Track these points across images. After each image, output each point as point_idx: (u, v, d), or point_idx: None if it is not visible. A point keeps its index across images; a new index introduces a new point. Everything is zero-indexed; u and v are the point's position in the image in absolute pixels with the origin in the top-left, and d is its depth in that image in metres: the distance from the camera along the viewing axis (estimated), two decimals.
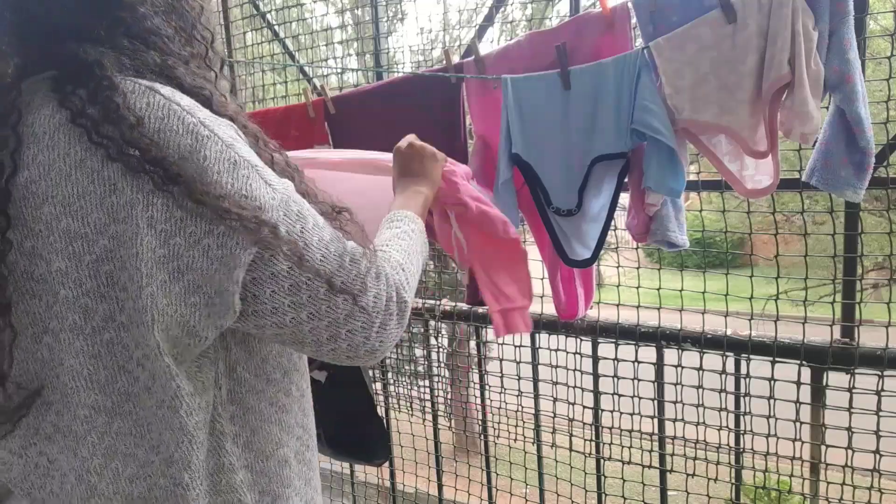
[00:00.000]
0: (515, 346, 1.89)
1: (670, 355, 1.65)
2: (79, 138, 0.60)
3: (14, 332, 0.62)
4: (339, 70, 2.39)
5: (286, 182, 0.68)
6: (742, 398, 1.58)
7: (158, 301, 0.60)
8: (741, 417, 1.59)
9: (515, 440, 2.03)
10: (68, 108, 0.61)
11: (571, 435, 1.89)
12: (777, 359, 1.48)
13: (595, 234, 1.32)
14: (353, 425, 1.76)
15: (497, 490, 2.09)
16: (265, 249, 0.62)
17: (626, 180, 1.31)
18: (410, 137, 1.04)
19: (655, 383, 1.69)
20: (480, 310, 1.89)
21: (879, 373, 1.38)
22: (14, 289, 0.62)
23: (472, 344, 2.23)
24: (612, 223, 1.38)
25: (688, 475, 1.68)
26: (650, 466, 1.75)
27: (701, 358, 1.58)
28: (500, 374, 1.97)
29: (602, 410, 1.81)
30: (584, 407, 1.82)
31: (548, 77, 1.29)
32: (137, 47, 0.66)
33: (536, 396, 1.92)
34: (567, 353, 1.79)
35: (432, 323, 2.10)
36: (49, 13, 0.64)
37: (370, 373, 2.02)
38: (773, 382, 1.50)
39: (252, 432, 0.72)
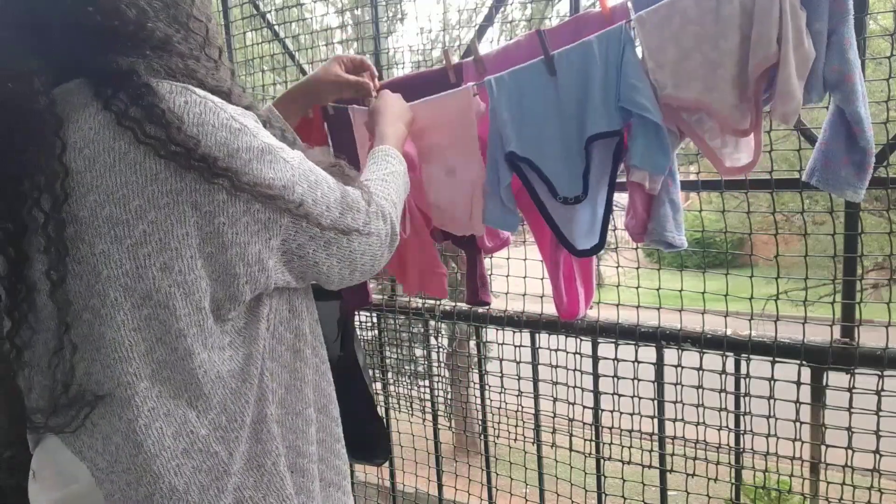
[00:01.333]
0: (515, 347, 1.89)
1: (670, 355, 1.65)
2: (122, 135, 0.67)
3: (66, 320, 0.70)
4: None
5: (299, 154, 0.81)
6: (742, 398, 1.58)
7: (205, 273, 0.71)
8: (741, 417, 1.59)
9: (515, 440, 2.03)
10: (112, 111, 0.68)
11: (571, 435, 1.89)
12: (777, 359, 1.48)
13: (599, 219, 1.30)
14: (353, 425, 1.75)
15: (497, 490, 2.09)
16: (296, 219, 0.77)
17: (621, 169, 1.30)
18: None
19: (655, 383, 1.69)
20: (480, 310, 1.89)
21: (879, 373, 1.38)
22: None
23: (472, 344, 2.23)
24: (613, 224, 1.38)
25: (688, 475, 1.68)
26: (650, 466, 1.75)
27: (701, 358, 1.58)
28: (500, 374, 1.97)
29: (602, 410, 1.81)
30: (584, 407, 1.82)
31: (531, 67, 1.27)
32: (161, 55, 0.73)
33: (536, 396, 1.92)
34: (567, 353, 1.79)
35: (432, 323, 2.10)
36: (74, 33, 0.70)
37: (370, 372, 2.02)
38: (773, 382, 1.50)
39: (286, 389, 0.83)
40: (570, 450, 1.89)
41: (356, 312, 1.93)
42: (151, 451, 0.71)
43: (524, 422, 2.01)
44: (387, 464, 2.29)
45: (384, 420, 1.95)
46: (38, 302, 0.71)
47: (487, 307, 1.80)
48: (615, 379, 1.72)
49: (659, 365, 1.69)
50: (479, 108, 1.34)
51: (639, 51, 1.20)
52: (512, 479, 2.05)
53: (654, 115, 1.15)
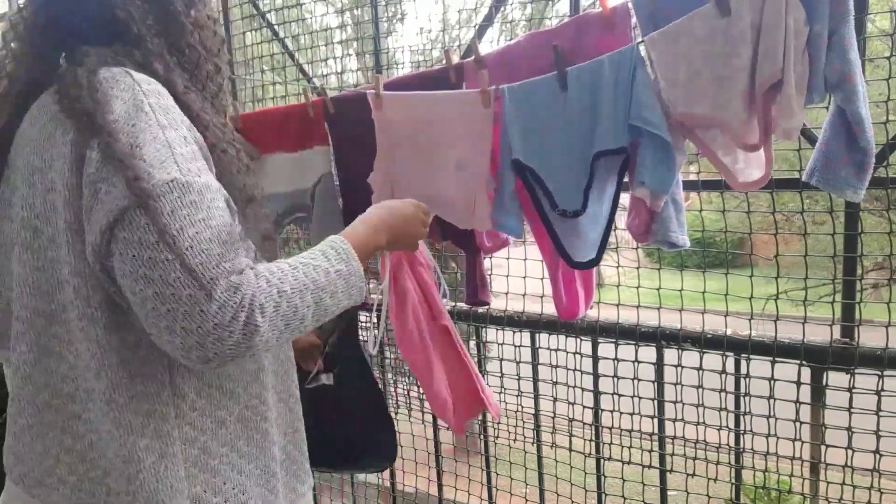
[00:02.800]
0: (515, 347, 1.89)
1: (670, 355, 1.65)
2: (57, 99, 0.77)
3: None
4: (338, 70, 2.40)
5: (206, 177, 0.73)
6: (742, 398, 1.58)
7: (73, 223, 0.75)
8: (741, 417, 1.59)
9: (515, 440, 2.03)
10: (58, 86, 0.77)
11: (571, 435, 1.89)
12: (777, 359, 1.48)
13: (598, 234, 1.32)
14: (364, 426, 1.73)
15: (497, 490, 2.09)
16: (142, 212, 0.67)
17: (626, 179, 1.31)
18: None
19: (655, 383, 1.69)
20: (480, 310, 1.89)
21: (879, 373, 1.38)
22: None
23: (472, 344, 2.23)
24: (613, 224, 1.38)
25: (688, 475, 1.68)
26: (650, 466, 1.75)
27: (701, 358, 1.58)
28: (500, 374, 1.97)
29: (602, 410, 1.81)
30: (584, 407, 1.82)
31: (544, 80, 1.29)
32: (127, 49, 0.80)
33: (536, 396, 1.92)
34: (567, 352, 1.79)
35: None
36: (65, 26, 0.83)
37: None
38: (773, 382, 1.50)
39: (197, 393, 0.82)
40: (570, 450, 1.89)
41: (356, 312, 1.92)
42: (38, 383, 0.82)
43: (524, 422, 2.01)
44: None
45: (394, 421, 1.94)
46: None
47: (487, 307, 1.80)
48: (615, 379, 1.72)
49: (659, 365, 1.69)
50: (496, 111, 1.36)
51: (649, 70, 1.20)
52: (512, 479, 2.05)
53: (663, 132, 1.16)
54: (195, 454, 0.80)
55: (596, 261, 1.33)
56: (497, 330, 1.92)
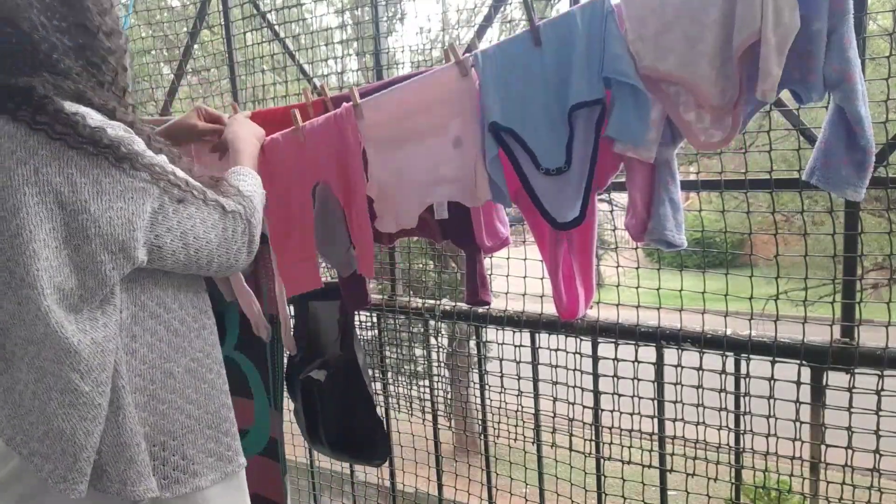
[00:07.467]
0: (515, 346, 1.89)
1: (670, 355, 1.65)
2: (35, 134, 0.87)
3: None
4: (338, 70, 2.39)
5: (162, 158, 0.99)
6: (742, 398, 1.58)
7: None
8: (741, 417, 1.59)
9: (515, 440, 2.03)
10: (23, 120, 0.87)
11: (571, 435, 1.89)
12: (777, 359, 1.48)
13: (581, 191, 1.30)
14: (352, 426, 1.76)
15: (497, 490, 2.09)
16: (165, 188, 0.96)
17: (621, 179, 1.30)
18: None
19: (655, 383, 1.69)
20: (480, 310, 1.89)
21: (879, 373, 1.38)
22: None
23: (472, 344, 2.23)
24: (612, 224, 1.38)
25: (688, 475, 1.68)
26: (650, 466, 1.75)
27: (701, 358, 1.58)
28: (500, 374, 1.97)
29: (602, 410, 1.81)
30: (584, 407, 1.82)
31: (517, 38, 1.27)
32: (56, 80, 0.93)
33: (536, 396, 1.92)
34: (567, 352, 1.79)
35: (432, 323, 2.10)
36: None
37: (370, 372, 2.02)
38: (773, 382, 1.50)
39: (149, 348, 1.01)
40: (570, 450, 1.89)
41: (356, 312, 1.93)
42: (43, 404, 0.91)
43: (524, 422, 2.01)
44: (387, 464, 2.29)
45: (383, 421, 1.95)
46: None
47: (487, 307, 1.80)
48: (615, 379, 1.72)
49: (659, 365, 1.69)
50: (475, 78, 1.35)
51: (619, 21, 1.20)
52: (512, 479, 2.05)
53: (636, 81, 1.16)
54: (144, 401, 1.00)
55: (580, 219, 1.31)
56: (497, 330, 1.92)
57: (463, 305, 1.94)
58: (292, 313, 1.82)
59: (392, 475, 2.37)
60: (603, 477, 1.85)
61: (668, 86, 1.20)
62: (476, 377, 2.13)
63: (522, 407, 1.96)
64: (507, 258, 1.87)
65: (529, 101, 1.28)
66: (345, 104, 1.43)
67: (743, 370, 1.56)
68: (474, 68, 1.31)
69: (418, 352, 2.34)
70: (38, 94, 0.89)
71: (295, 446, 2.60)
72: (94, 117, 0.92)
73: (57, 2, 0.94)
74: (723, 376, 1.58)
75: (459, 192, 1.41)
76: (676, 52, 1.14)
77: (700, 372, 1.58)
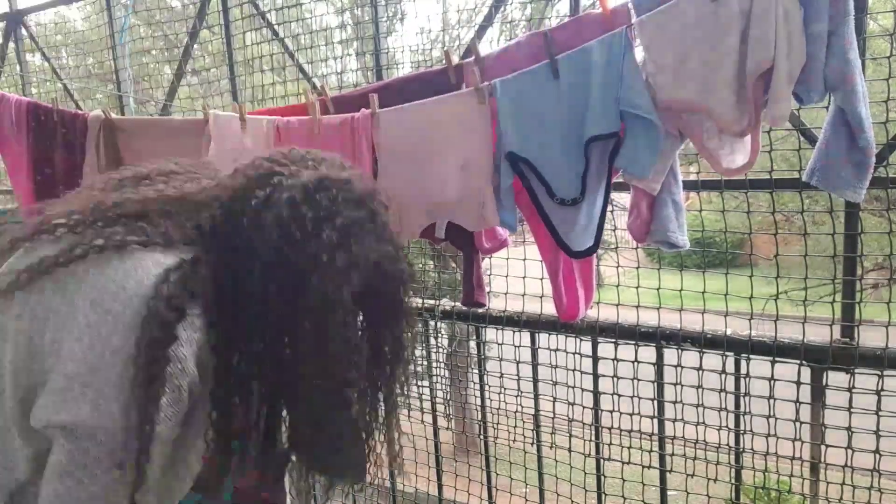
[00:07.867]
0: (515, 347, 1.89)
1: (670, 355, 1.64)
2: None
3: None
4: (338, 70, 2.39)
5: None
6: (742, 398, 1.58)
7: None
8: (741, 417, 1.59)
9: (515, 440, 2.03)
10: None
11: (571, 435, 1.89)
12: (777, 359, 1.48)
13: (595, 221, 1.31)
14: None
15: (497, 490, 2.09)
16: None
17: (623, 180, 1.31)
18: None
19: (655, 383, 1.69)
20: (480, 310, 1.89)
21: (879, 373, 1.38)
22: None
23: (472, 344, 2.23)
24: (613, 223, 1.38)
25: (688, 475, 1.68)
26: (650, 466, 1.75)
27: (701, 358, 1.58)
28: (499, 374, 1.97)
29: (602, 410, 1.80)
30: (584, 407, 1.81)
31: (536, 70, 1.29)
32: None
33: (536, 396, 1.92)
34: (567, 353, 1.79)
35: (432, 323, 2.10)
36: None
37: None
38: (773, 382, 1.50)
39: None
40: (570, 450, 1.89)
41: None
42: None
43: (524, 422, 2.01)
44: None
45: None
46: None
47: (486, 308, 1.80)
48: (615, 379, 1.72)
49: (659, 365, 1.69)
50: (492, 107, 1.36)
51: (638, 53, 1.20)
52: (512, 479, 2.05)
53: (653, 116, 1.16)
54: None
55: (594, 248, 1.33)
56: (497, 330, 1.92)
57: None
58: None
59: (392, 475, 2.37)
60: (603, 477, 1.85)
61: (691, 115, 1.20)
62: (476, 377, 2.13)
63: (522, 407, 1.96)
64: (507, 258, 1.87)
65: (546, 133, 1.30)
66: (363, 110, 1.44)
67: (743, 370, 1.55)
68: (492, 96, 1.32)
69: (418, 352, 2.34)
70: None
71: None
72: None
73: None
74: (723, 376, 1.58)
75: (462, 216, 1.42)
76: (697, 79, 1.14)
77: (700, 372, 1.58)
